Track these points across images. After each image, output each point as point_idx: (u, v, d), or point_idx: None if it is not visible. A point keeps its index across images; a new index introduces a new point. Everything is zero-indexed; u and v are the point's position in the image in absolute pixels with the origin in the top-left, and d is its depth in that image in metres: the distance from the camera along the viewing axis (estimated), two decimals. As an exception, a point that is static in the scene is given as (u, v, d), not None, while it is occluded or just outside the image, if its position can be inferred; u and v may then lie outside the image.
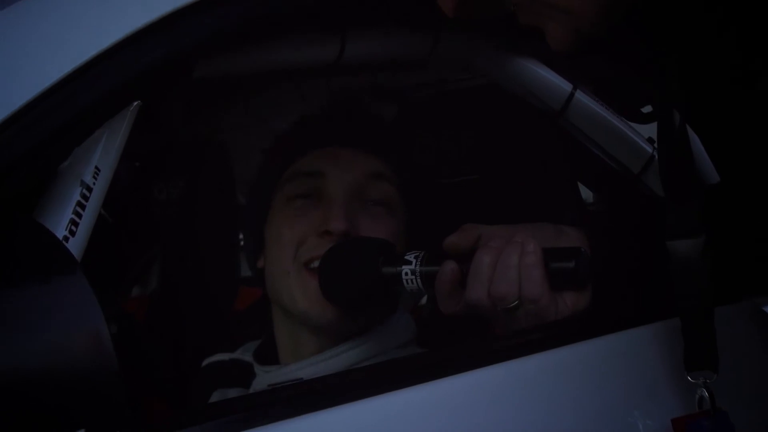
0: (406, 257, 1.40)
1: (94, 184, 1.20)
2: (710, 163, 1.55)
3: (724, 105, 1.37)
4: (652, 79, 1.34)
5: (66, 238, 1.16)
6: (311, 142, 1.60)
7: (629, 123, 1.67)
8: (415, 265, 1.38)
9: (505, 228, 1.33)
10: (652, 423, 1.26)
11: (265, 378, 1.62)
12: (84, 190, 1.19)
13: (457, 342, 1.30)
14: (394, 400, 1.17)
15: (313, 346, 1.59)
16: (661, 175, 1.29)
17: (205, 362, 1.85)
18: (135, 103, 1.25)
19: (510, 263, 1.29)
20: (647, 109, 1.70)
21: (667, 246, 1.26)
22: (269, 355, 1.68)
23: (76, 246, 1.17)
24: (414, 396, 1.19)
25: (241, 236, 3.04)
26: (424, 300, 1.90)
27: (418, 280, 1.39)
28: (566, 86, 1.64)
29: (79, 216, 1.17)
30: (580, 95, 1.65)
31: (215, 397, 1.72)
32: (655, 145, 1.64)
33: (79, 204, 1.18)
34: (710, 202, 1.38)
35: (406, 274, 1.39)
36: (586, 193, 1.94)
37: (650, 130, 1.64)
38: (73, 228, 1.16)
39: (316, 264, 1.52)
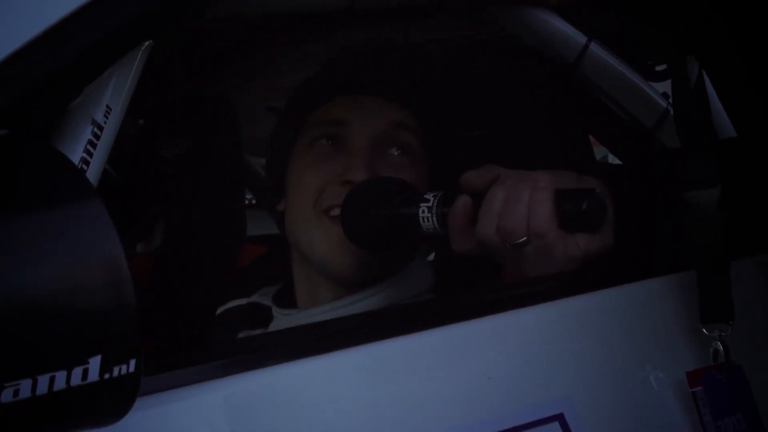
0: (424, 196, 1.39)
1: (105, 123, 1.18)
2: (726, 117, 1.53)
3: (740, 58, 1.35)
4: (669, 30, 1.31)
5: (77, 177, 1.13)
6: (336, 88, 1.59)
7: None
8: (432, 204, 1.37)
9: (526, 172, 1.31)
10: (665, 376, 1.24)
11: (283, 321, 1.63)
12: (95, 129, 1.17)
13: (469, 289, 1.28)
14: (404, 344, 1.15)
15: (331, 293, 1.59)
16: (677, 126, 1.26)
17: (220, 309, 1.84)
18: (146, 43, 1.23)
19: (520, 198, 1.27)
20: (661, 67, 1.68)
21: (683, 197, 1.25)
22: (288, 299, 1.68)
23: (87, 184, 1.14)
24: (422, 340, 1.18)
25: (247, 194, 3.02)
26: (431, 256, 1.88)
27: (434, 219, 1.38)
28: (581, 38, 1.62)
29: (90, 154, 1.15)
30: (594, 48, 1.63)
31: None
32: (670, 99, 1.62)
33: (90, 142, 1.16)
34: (726, 156, 1.36)
35: (423, 212, 1.38)
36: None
37: (665, 86, 1.62)
38: (85, 166, 1.15)
39: (336, 212, 1.52)
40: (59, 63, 1.10)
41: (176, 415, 1.00)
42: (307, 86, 1.66)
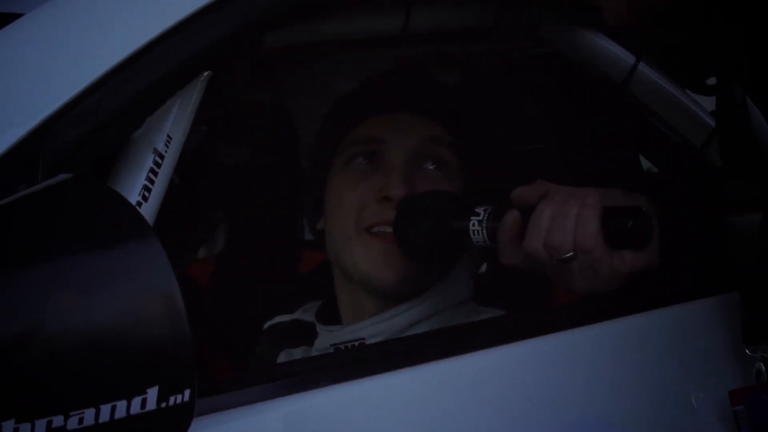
0: (475, 210, 1.43)
1: (166, 151, 1.24)
2: None
3: None
4: (714, 52, 1.34)
5: (139, 204, 1.20)
6: (371, 107, 1.63)
7: (693, 96, 1.67)
8: (483, 218, 1.41)
9: (575, 188, 1.35)
10: (707, 395, 1.27)
11: (327, 337, 1.66)
12: (156, 158, 1.22)
13: (515, 304, 1.32)
14: (456, 365, 1.20)
15: (373, 306, 1.62)
16: (721, 148, 1.29)
17: (266, 325, 1.89)
18: (206, 73, 1.29)
19: (568, 213, 1.31)
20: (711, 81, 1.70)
21: (727, 219, 1.27)
22: (331, 315, 1.72)
23: (148, 211, 1.21)
24: (478, 360, 1.22)
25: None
26: (483, 268, 1.92)
27: (484, 232, 1.42)
28: (629, 58, 1.65)
29: (152, 182, 1.21)
30: (643, 67, 1.65)
31: (282, 357, 1.77)
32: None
33: (152, 171, 1.21)
34: None
35: (474, 225, 1.43)
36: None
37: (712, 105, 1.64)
38: (146, 194, 1.20)
39: (377, 229, 1.56)
40: (124, 98, 1.16)
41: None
42: (342, 106, 1.71)
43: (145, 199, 1.22)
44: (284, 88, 2.33)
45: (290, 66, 2.19)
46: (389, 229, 1.55)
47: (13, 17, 1.12)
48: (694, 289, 1.36)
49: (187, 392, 0.84)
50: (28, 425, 0.78)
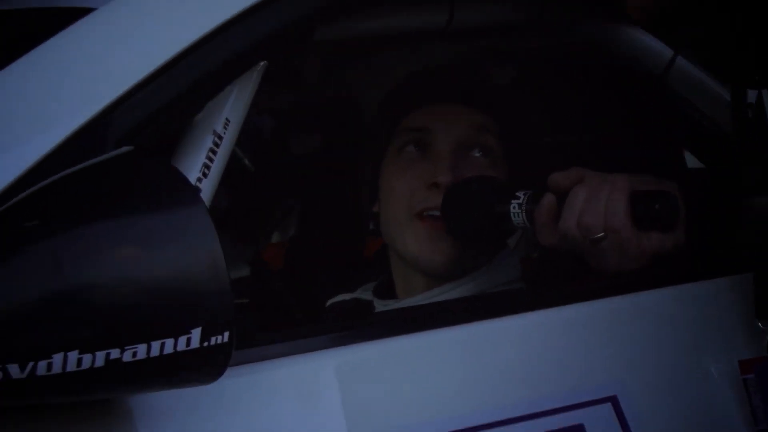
0: (516, 194, 1.54)
1: (224, 133, 1.37)
2: None
3: None
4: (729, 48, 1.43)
5: (200, 179, 1.33)
6: (419, 99, 1.74)
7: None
8: (522, 201, 1.52)
9: (607, 174, 1.45)
10: (720, 365, 1.37)
11: (383, 311, 1.79)
12: (216, 138, 1.36)
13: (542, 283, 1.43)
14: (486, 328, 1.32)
15: (424, 285, 1.74)
16: (737, 136, 1.38)
17: (329, 302, 2.01)
18: (262, 63, 1.42)
19: (599, 197, 1.42)
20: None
21: (742, 202, 1.37)
22: (387, 291, 1.84)
23: (209, 185, 1.34)
24: (512, 323, 1.34)
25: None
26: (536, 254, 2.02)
27: (524, 215, 1.53)
28: (667, 51, 1.74)
29: (211, 160, 1.34)
30: (680, 60, 1.74)
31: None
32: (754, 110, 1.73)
33: (211, 150, 1.35)
34: None
35: (514, 207, 1.54)
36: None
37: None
38: (206, 171, 1.34)
39: (426, 214, 1.67)
40: (186, 83, 1.30)
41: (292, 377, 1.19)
42: (392, 98, 1.83)
43: (205, 175, 1.35)
44: (351, 80, 2.44)
45: (357, 58, 2.32)
46: (437, 213, 1.66)
47: (86, 11, 1.27)
48: (712, 268, 1.44)
49: (226, 334, 0.98)
50: (90, 356, 0.93)
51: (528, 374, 1.30)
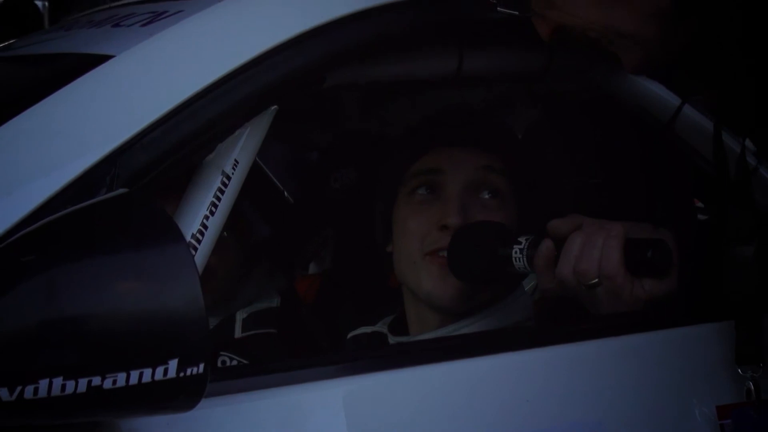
0: (518, 239, 1.61)
1: (233, 173, 1.46)
2: None
3: None
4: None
5: (206, 217, 1.42)
6: (429, 143, 1.82)
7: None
8: (524, 246, 1.59)
9: (605, 221, 1.51)
10: (700, 410, 1.41)
11: None
12: (224, 179, 1.45)
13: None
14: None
15: (436, 321, 1.80)
16: (718, 186, 1.43)
17: (350, 335, 2.08)
18: (273, 107, 1.50)
19: (595, 244, 1.49)
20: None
21: (725, 250, 1.41)
22: (401, 327, 1.91)
23: (215, 223, 1.43)
24: (498, 361, 1.41)
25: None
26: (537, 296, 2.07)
27: (524, 259, 1.60)
28: (674, 100, 1.78)
29: (219, 199, 1.43)
30: (688, 109, 1.78)
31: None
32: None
33: (219, 189, 1.44)
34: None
35: (516, 252, 1.61)
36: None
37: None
38: (213, 209, 1.43)
39: (438, 254, 1.74)
40: (191, 129, 1.39)
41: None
42: (404, 142, 1.90)
43: (212, 213, 1.44)
44: (387, 118, 2.52)
45: (392, 96, 2.40)
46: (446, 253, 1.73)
47: (105, 58, 1.37)
48: (698, 314, 1.49)
49: (201, 365, 1.06)
50: (73, 382, 1.02)
51: (510, 409, 1.36)
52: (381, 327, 2.02)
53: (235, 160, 1.47)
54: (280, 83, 1.48)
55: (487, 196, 1.77)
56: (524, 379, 1.40)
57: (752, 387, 1.42)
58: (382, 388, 1.35)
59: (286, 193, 3.17)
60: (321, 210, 2.75)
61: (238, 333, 2.40)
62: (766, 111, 1.47)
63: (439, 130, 1.84)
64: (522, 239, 1.62)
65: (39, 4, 5.02)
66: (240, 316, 2.42)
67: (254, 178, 3.06)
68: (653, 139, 1.85)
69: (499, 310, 1.80)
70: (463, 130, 1.81)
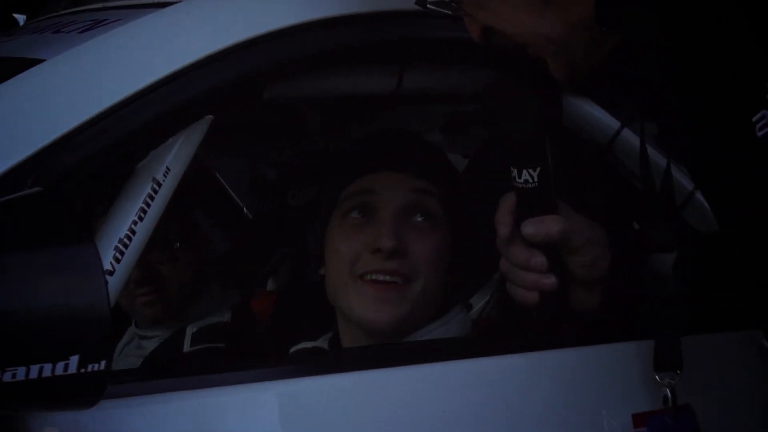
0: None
1: (164, 180, 1.47)
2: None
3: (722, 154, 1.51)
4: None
5: (135, 222, 1.43)
6: (362, 167, 1.82)
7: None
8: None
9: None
10: (617, 420, 1.43)
11: None
12: (155, 185, 1.46)
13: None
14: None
15: (369, 343, 1.80)
16: (642, 198, 1.46)
17: (292, 349, 2.09)
18: (207, 117, 1.52)
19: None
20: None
21: (646, 259, 1.44)
22: (338, 346, 1.91)
23: (143, 228, 1.44)
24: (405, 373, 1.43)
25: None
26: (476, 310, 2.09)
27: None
28: (614, 123, 1.81)
29: (148, 205, 1.45)
30: (627, 133, 1.81)
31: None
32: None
33: (149, 196, 1.45)
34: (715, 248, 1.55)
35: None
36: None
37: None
38: (142, 215, 1.44)
39: (369, 277, 1.74)
40: (125, 132, 1.41)
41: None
42: (338, 166, 1.92)
43: (141, 219, 1.45)
44: (351, 136, 2.53)
45: (359, 116, 2.41)
46: (381, 278, 1.73)
47: (36, 62, 1.39)
48: (619, 330, 1.51)
49: (103, 363, 1.07)
50: (-28, 375, 1.03)
51: (424, 421, 1.37)
52: (321, 342, 2.02)
53: (167, 168, 1.48)
54: (212, 94, 1.50)
55: (420, 219, 1.77)
56: (441, 391, 1.41)
57: (669, 394, 1.44)
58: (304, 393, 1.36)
59: (245, 209, 3.19)
60: (279, 227, 2.76)
61: (186, 347, 2.40)
62: (694, 136, 1.50)
63: (373, 154, 1.85)
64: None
65: (18, 17, 5.05)
66: (190, 330, 2.41)
67: (214, 192, 3.10)
68: (592, 160, 1.88)
69: (434, 329, 1.80)
70: (397, 154, 1.82)
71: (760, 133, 1.34)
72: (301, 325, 2.51)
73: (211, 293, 2.53)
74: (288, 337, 2.48)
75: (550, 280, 1.48)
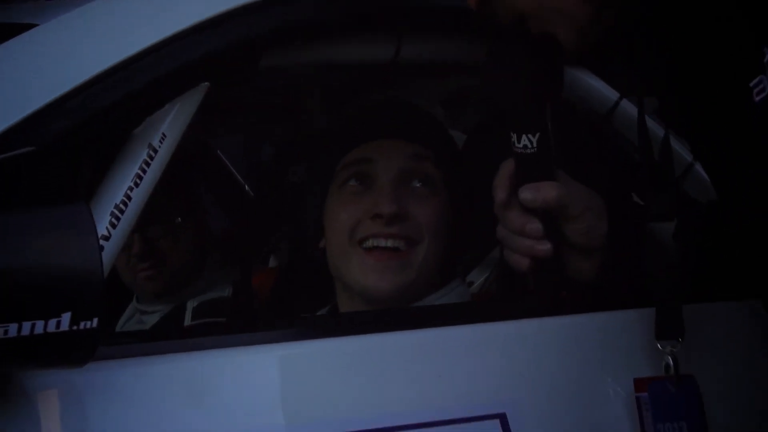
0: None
1: (159, 147, 1.47)
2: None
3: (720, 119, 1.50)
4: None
5: (131, 188, 1.43)
6: (359, 136, 1.82)
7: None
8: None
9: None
10: (619, 385, 1.43)
11: None
12: (150, 152, 1.46)
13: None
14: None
15: None
16: (642, 166, 1.45)
17: (291, 323, 2.08)
18: (203, 84, 1.51)
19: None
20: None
21: (647, 228, 1.43)
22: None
23: (139, 194, 1.44)
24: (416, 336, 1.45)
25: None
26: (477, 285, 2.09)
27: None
28: (613, 95, 1.81)
29: (144, 171, 1.44)
30: (626, 104, 1.81)
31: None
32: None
33: (145, 162, 1.45)
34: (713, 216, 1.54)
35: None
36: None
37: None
38: (138, 180, 1.44)
39: (370, 243, 1.74)
40: (119, 96, 1.40)
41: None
42: (334, 136, 1.91)
43: (136, 185, 1.45)
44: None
45: (356, 92, 2.41)
46: (382, 243, 1.73)
47: (30, 26, 1.38)
48: (622, 298, 1.51)
49: (95, 320, 1.07)
50: (-36, 331, 1.03)
51: (424, 385, 1.37)
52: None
53: (163, 134, 1.48)
54: (208, 59, 1.49)
55: (418, 185, 1.77)
56: (441, 355, 1.40)
57: (671, 362, 1.43)
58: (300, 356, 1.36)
59: (246, 186, 3.19)
60: (279, 204, 2.75)
61: (187, 321, 2.41)
62: (692, 104, 1.49)
63: (368, 122, 1.84)
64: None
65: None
66: (191, 304, 2.43)
67: (215, 169, 3.10)
68: (592, 131, 1.87)
69: (434, 300, 1.80)
70: (392, 122, 1.81)
71: (757, 98, 1.33)
72: (300, 299, 2.52)
73: (210, 268, 2.54)
74: (287, 311, 2.50)
75: (544, 247, 1.47)
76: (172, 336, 1.31)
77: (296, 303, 2.51)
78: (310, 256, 2.53)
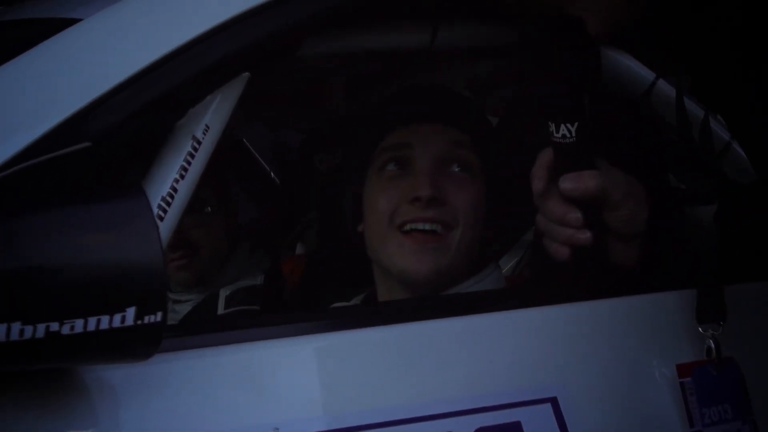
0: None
1: (203, 138, 1.47)
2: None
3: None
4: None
5: (176, 180, 1.43)
6: (398, 119, 1.83)
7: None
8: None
9: None
10: (662, 370, 1.43)
11: None
12: (194, 143, 1.46)
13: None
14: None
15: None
16: (684, 151, 1.45)
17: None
18: (245, 74, 1.52)
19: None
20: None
21: (686, 211, 1.43)
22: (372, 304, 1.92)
23: (185, 186, 1.44)
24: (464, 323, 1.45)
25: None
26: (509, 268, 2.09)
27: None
28: (649, 75, 1.80)
29: (189, 163, 1.45)
30: (662, 84, 1.80)
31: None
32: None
33: (189, 154, 1.45)
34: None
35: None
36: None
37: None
38: (183, 173, 1.44)
39: (409, 227, 1.74)
40: (164, 89, 1.40)
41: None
42: (371, 120, 1.91)
43: (182, 177, 1.45)
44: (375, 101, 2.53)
45: (382, 80, 2.41)
46: (420, 226, 1.74)
47: (73, 21, 1.38)
48: (663, 281, 1.51)
49: (159, 314, 1.08)
50: (31, 327, 1.03)
51: (472, 371, 1.38)
52: (355, 303, 2.03)
53: (206, 126, 1.48)
54: (250, 49, 1.49)
55: (457, 170, 1.77)
56: (489, 342, 1.41)
57: (713, 345, 1.44)
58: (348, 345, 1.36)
59: (272, 174, 3.19)
60: (306, 191, 2.76)
61: (221, 310, 2.42)
62: (730, 86, 1.49)
63: (405, 107, 1.84)
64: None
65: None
66: (224, 293, 2.44)
67: (242, 158, 3.11)
68: (629, 112, 1.87)
69: (475, 283, 1.81)
70: (430, 106, 1.82)
71: None
72: (330, 286, 2.53)
73: (241, 257, 2.55)
74: (320, 299, 2.51)
75: (585, 235, 1.47)
76: (242, 325, 1.31)
77: (327, 290, 2.52)
78: (345, 241, 2.55)
